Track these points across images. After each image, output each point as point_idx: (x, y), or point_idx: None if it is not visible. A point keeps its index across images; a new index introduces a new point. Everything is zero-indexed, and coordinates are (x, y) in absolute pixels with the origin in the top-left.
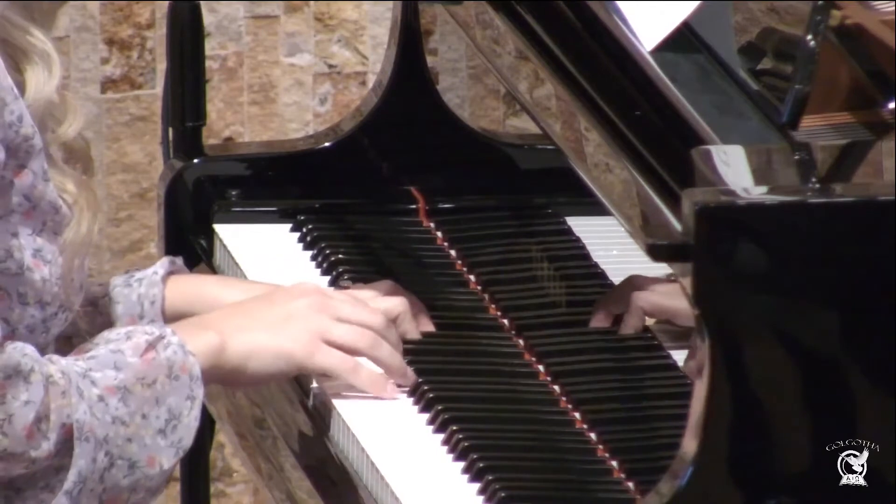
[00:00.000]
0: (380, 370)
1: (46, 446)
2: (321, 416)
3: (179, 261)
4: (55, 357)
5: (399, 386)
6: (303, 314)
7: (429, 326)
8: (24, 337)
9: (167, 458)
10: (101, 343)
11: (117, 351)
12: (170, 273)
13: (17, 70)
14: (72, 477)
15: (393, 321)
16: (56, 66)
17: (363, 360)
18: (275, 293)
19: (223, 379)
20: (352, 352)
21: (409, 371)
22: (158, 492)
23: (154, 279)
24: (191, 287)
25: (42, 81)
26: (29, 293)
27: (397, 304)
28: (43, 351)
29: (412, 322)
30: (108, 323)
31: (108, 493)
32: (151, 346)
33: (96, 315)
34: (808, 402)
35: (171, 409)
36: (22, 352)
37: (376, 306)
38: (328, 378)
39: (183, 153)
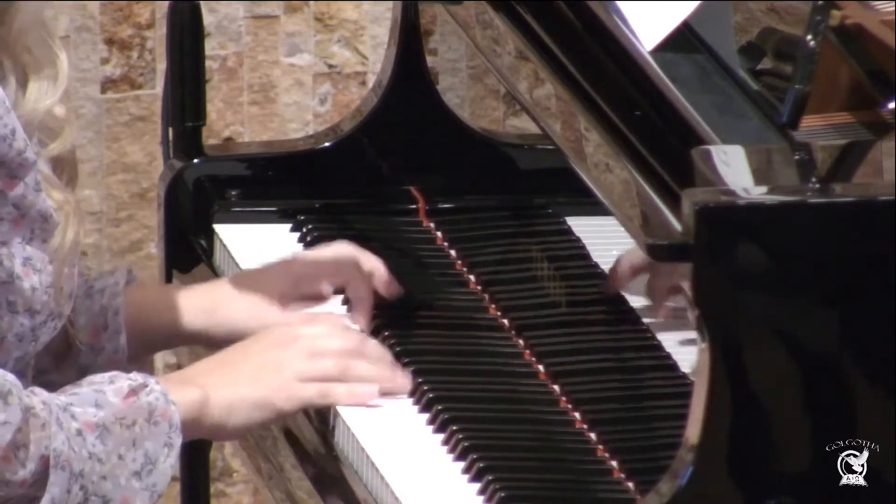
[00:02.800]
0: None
1: (23, 473)
2: (321, 415)
3: (132, 271)
4: (37, 389)
5: (396, 392)
6: (277, 361)
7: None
8: (13, 345)
9: (141, 500)
10: (84, 384)
11: (100, 391)
12: (127, 283)
13: (22, 73)
14: (45, 503)
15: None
16: (63, 80)
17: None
18: (248, 343)
19: (206, 433)
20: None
21: (401, 377)
22: None
23: (116, 290)
24: (148, 299)
25: (45, 92)
26: (18, 302)
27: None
28: (31, 360)
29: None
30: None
31: None
32: (134, 391)
33: (91, 304)
34: (807, 402)
35: (147, 454)
36: (3, 376)
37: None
38: None
39: (183, 153)
